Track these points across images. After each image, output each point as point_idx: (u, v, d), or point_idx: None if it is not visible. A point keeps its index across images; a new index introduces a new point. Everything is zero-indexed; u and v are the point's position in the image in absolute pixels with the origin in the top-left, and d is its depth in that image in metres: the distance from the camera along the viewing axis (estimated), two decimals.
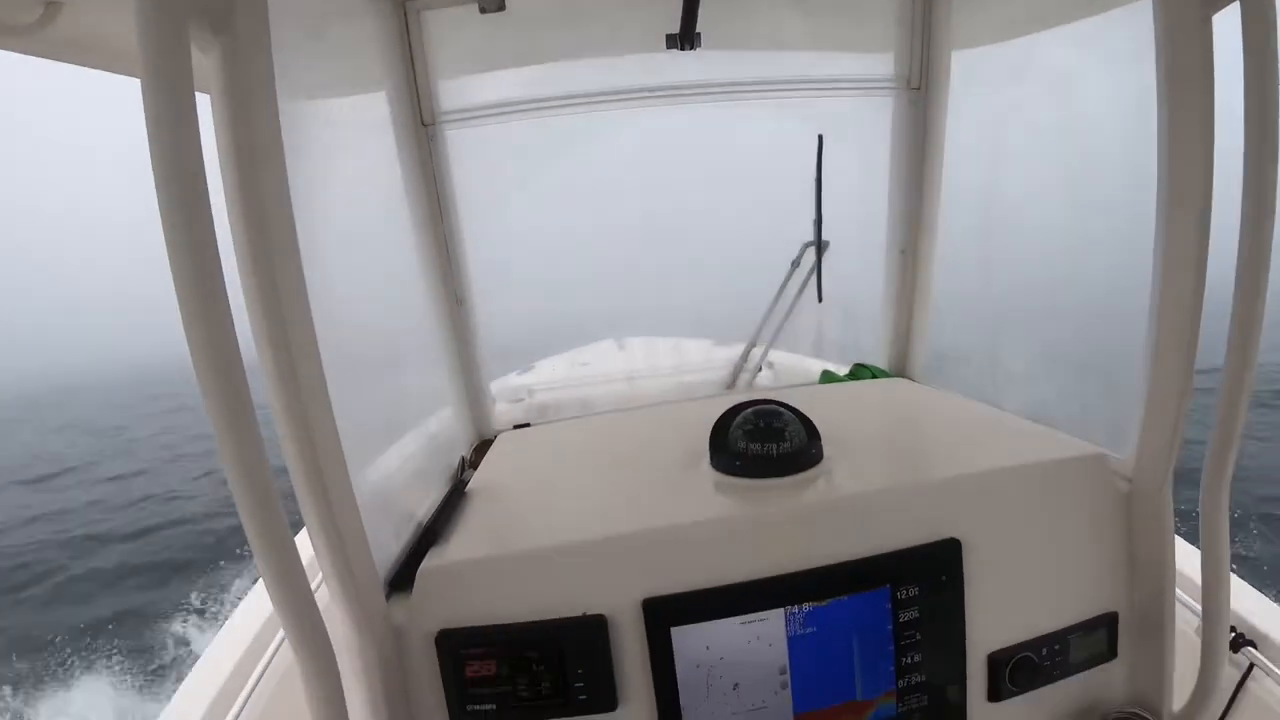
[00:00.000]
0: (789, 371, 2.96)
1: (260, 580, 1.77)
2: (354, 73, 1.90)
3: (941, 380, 2.53)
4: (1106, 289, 1.98)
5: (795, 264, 2.75)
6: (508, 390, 2.95)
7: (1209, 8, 1.36)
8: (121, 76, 1.90)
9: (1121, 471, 1.63)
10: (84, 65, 1.91)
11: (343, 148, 1.64)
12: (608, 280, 2.72)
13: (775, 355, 2.97)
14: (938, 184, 2.40)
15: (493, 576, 1.37)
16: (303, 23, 1.52)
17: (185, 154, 0.86)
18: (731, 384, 2.91)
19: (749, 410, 1.71)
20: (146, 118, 0.85)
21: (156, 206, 0.84)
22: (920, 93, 2.34)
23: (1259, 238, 1.36)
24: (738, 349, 3.00)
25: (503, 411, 2.66)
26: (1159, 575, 1.56)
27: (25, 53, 1.66)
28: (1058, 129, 2.10)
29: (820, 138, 2.44)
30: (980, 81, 2.26)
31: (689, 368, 3.13)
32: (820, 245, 2.63)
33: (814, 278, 2.70)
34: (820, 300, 2.70)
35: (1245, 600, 2.11)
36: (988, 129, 2.29)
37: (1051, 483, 1.58)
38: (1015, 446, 1.71)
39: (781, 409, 1.71)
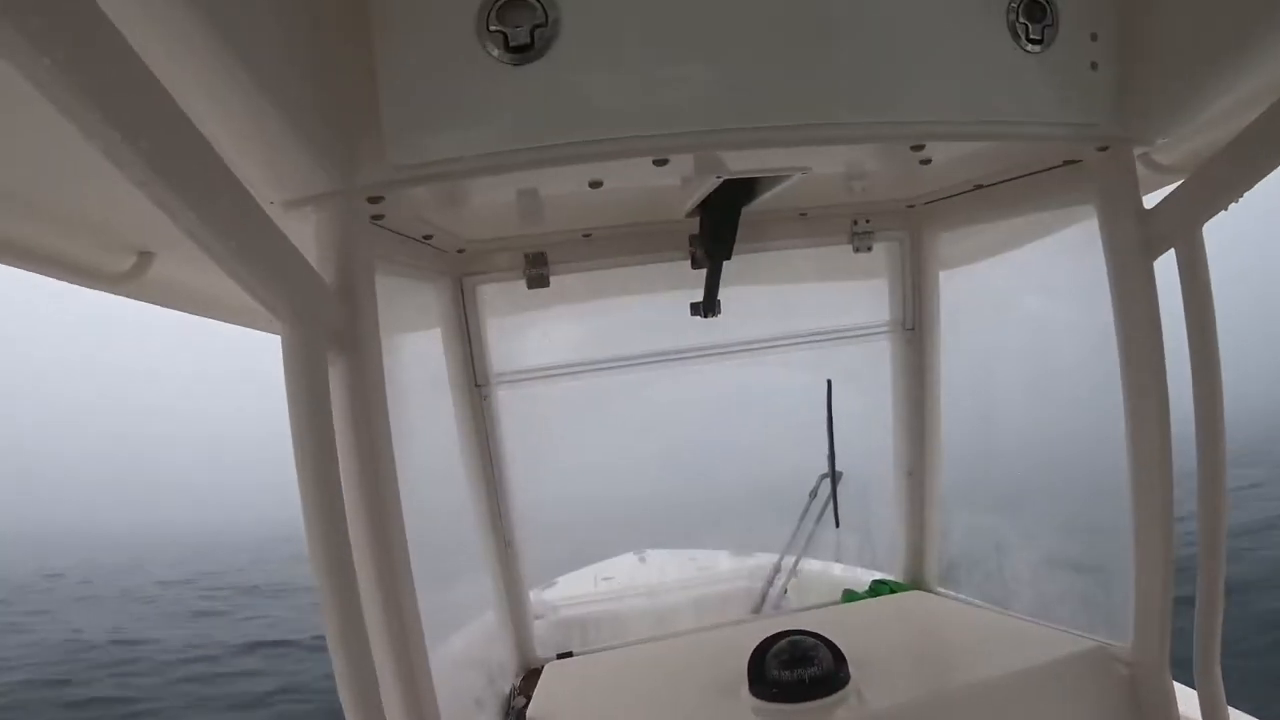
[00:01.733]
0: (814, 579, 3.13)
1: None
2: (421, 339, 2.19)
3: (955, 586, 2.72)
4: (1091, 493, 2.20)
5: (813, 494, 2.99)
6: (545, 606, 3.09)
7: (1149, 256, 1.71)
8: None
9: (1122, 658, 1.82)
10: (174, 308, 2.21)
11: (414, 405, 1.87)
12: (639, 508, 2.95)
13: (805, 564, 3.17)
14: (936, 411, 2.66)
15: None
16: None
17: (322, 460, 1.16)
18: (760, 605, 3.07)
19: (782, 641, 1.90)
20: (291, 423, 1.15)
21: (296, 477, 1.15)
22: (914, 333, 2.63)
23: (1213, 447, 1.65)
24: (756, 559, 3.22)
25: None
26: None
27: (121, 295, 1.95)
28: (1032, 352, 2.40)
29: (829, 383, 2.73)
30: (965, 315, 2.57)
31: (711, 579, 3.29)
32: (835, 477, 2.88)
33: (830, 506, 2.93)
34: (837, 526, 2.92)
35: None
36: (975, 356, 2.59)
37: (1057, 679, 1.79)
38: (1021, 650, 1.92)
39: (809, 638, 1.89)
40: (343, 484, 1.22)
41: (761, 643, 1.92)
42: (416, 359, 2.11)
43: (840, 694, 1.78)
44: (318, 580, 1.16)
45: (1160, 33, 1.58)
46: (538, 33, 1.26)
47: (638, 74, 1.35)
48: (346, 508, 1.23)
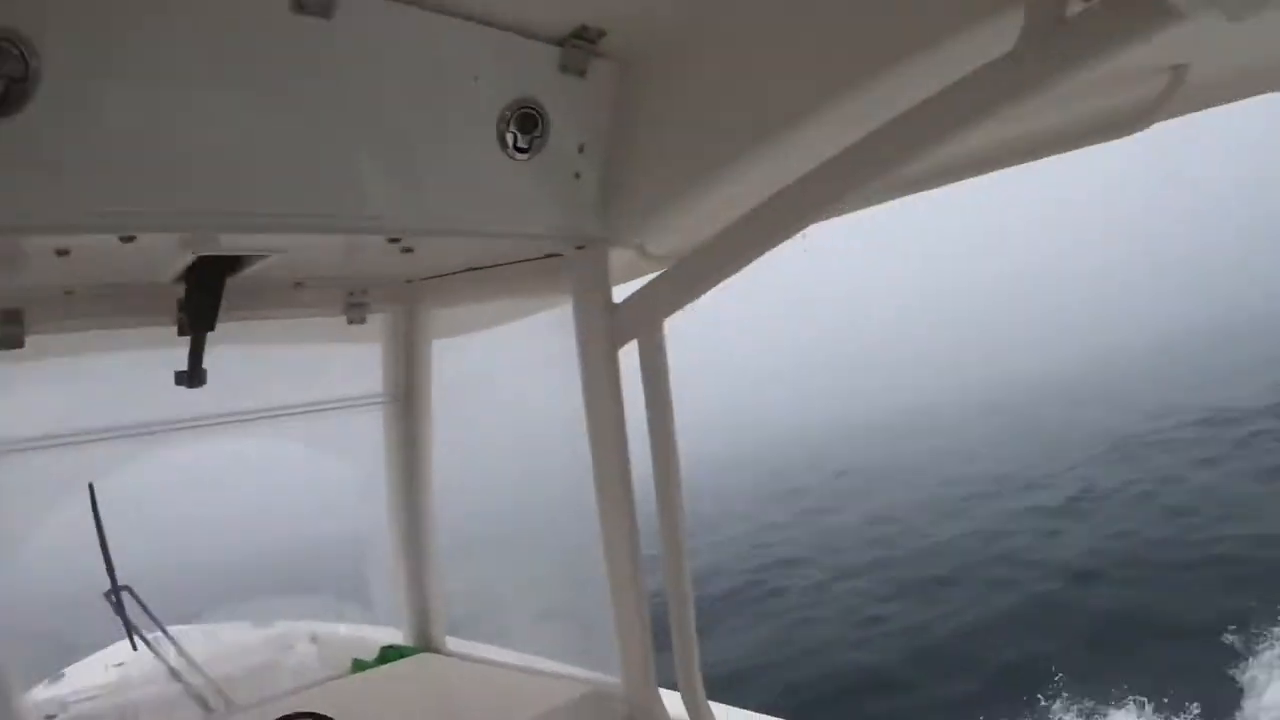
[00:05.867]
0: (329, 643, 3.09)
1: None
2: None
3: (463, 638, 2.86)
4: (572, 551, 2.43)
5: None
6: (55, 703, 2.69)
7: (614, 346, 1.94)
8: None
9: (618, 695, 2.03)
10: None
11: None
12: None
13: (318, 627, 3.16)
14: (428, 479, 2.81)
15: None
16: None
17: None
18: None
19: None
20: None
21: None
22: (405, 404, 2.79)
23: (671, 503, 1.92)
24: (275, 629, 3.16)
25: None
26: None
27: None
28: (514, 425, 2.67)
29: None
30: (455, 388, 2.79)
31: (223, 656, 3.02)
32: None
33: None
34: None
35: None
36: (464, 426, 2.82)
37: None
38: (524, 706, 2.07)
39: None
40: None
41: None
42: None
43: None
44: None
45: (643, 148, 1.78)
46: (14, 88, 1.13)
47: (110, 148, 1.27)
48: None
